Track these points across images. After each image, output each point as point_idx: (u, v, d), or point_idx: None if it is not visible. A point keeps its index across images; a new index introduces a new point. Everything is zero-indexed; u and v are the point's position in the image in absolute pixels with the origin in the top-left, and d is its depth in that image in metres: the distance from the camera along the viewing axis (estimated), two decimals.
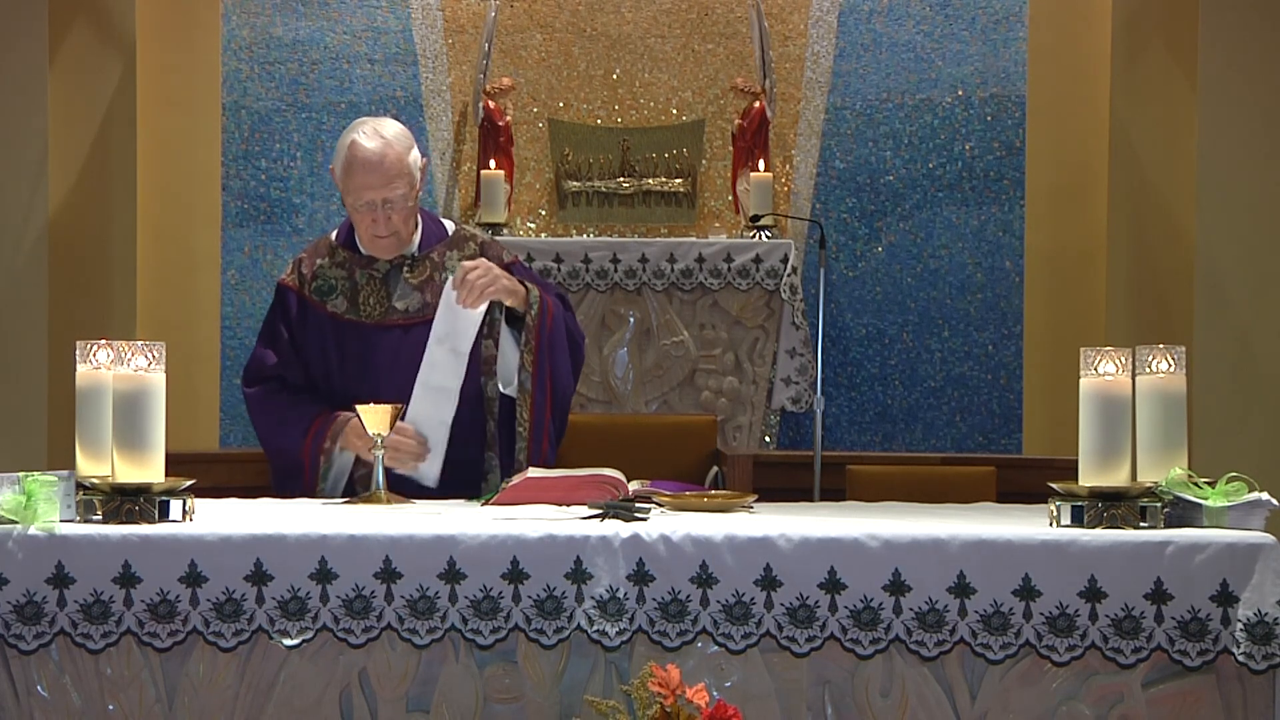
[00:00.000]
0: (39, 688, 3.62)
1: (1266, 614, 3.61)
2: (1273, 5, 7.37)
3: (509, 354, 4.65)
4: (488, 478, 4.65)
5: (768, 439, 8.29)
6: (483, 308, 4.51)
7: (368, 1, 8.44)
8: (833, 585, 3.64)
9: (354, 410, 4.39)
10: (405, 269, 4.69)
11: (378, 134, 4.58)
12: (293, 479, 4.63)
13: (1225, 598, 3.63)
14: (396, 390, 4.44)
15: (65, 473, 3.75)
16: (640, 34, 8.54)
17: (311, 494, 4.59)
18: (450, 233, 4.78)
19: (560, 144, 8.47)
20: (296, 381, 4.70)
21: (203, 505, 3.99)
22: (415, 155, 4.63)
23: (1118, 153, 8.01)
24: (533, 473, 4.32)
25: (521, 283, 4.61)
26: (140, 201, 8.02)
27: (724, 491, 4.39)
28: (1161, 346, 3.94)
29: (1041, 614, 3.63)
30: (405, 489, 4.42)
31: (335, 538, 3.64)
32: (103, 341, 3.89)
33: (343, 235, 4.77)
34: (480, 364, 4.63)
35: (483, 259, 4.59)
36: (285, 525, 3.68)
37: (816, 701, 3.66)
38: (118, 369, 3.79)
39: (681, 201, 8.48)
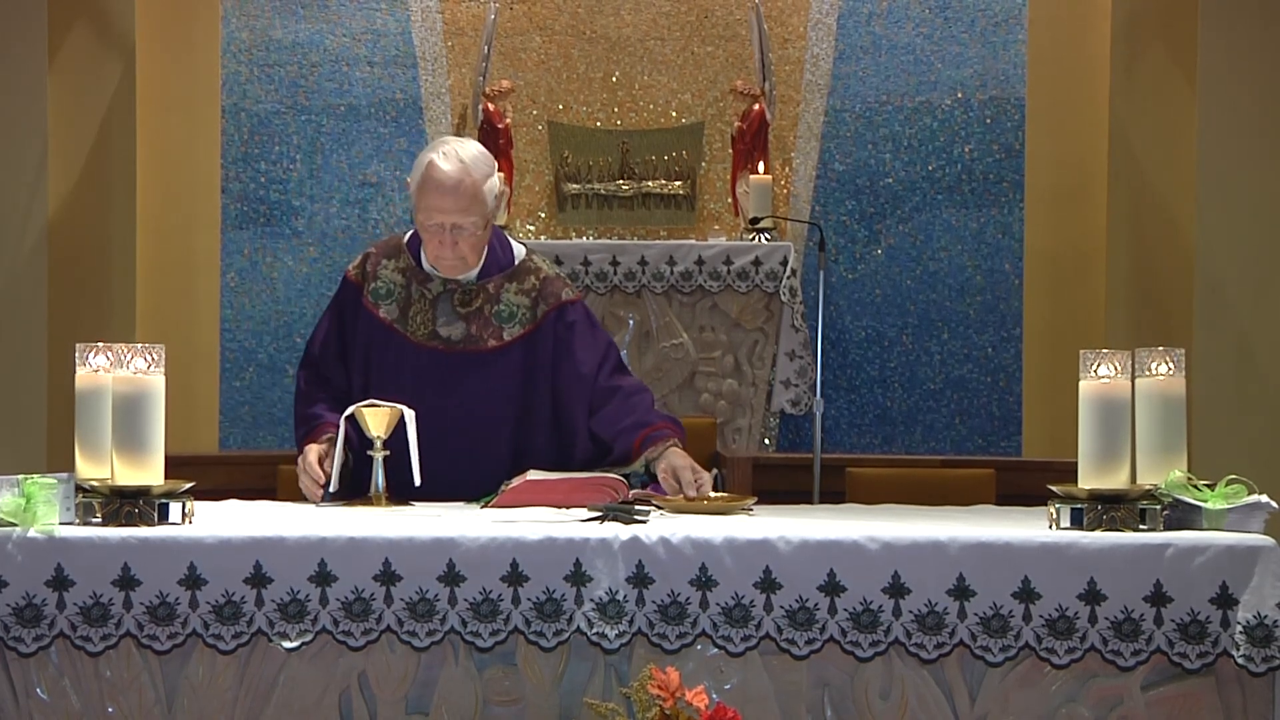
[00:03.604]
0: (38, 690, 3.62)
1: (1266, 616, 3.61)
2: (1273, 7, 7.37)
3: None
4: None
5: (767, 441, 8.30)
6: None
7: (367, 4, 8.45)
8: (832, 588, 3.64)
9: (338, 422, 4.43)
10: (456, 296, 4.60)
11: (456, 157, 4.47)
12: None
13: (1225, 600, 3.63)
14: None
15: (65, 475, 3.75)
16: (640, 36, 8.54)
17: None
18: (516, 262, 4.67)
19: (560, 146, 8.47)
20: (331, 376, 4.68)
21: (202, 508, 3.99)
22: (493, 182, 4.51)
23: (1117, 155, 8.01)
24: (533, 475, 4.32)
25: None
26: (140, 204, 8.03)
27: (722, 495, 4.38)
28: (1161, 349, 3.94)
29: (1041, 616, 3.63)
30: (404, 492, 4.42)
31: (334, 540, 3.64)
32: (102, 344, 3.88)
33: (414, 241, 4.67)
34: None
35: (702, 475, 4.43)
36: (285, 528, 3.68)
37: (816, 704, 3.66)
38: (117, 371, 3.79)
39: (681, 204, 8.49)
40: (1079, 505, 3.77)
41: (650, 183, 8.47)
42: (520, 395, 4.60)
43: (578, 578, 3.64)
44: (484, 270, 4.63)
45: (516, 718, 3.66)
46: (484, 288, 4.63)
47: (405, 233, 4.76)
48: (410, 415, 4.38)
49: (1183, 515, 3.81)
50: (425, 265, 4.63)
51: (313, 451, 4.49)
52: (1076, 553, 3.65)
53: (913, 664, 3.65)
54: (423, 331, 4.60)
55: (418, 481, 4.34)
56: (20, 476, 3.69)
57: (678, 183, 8.48)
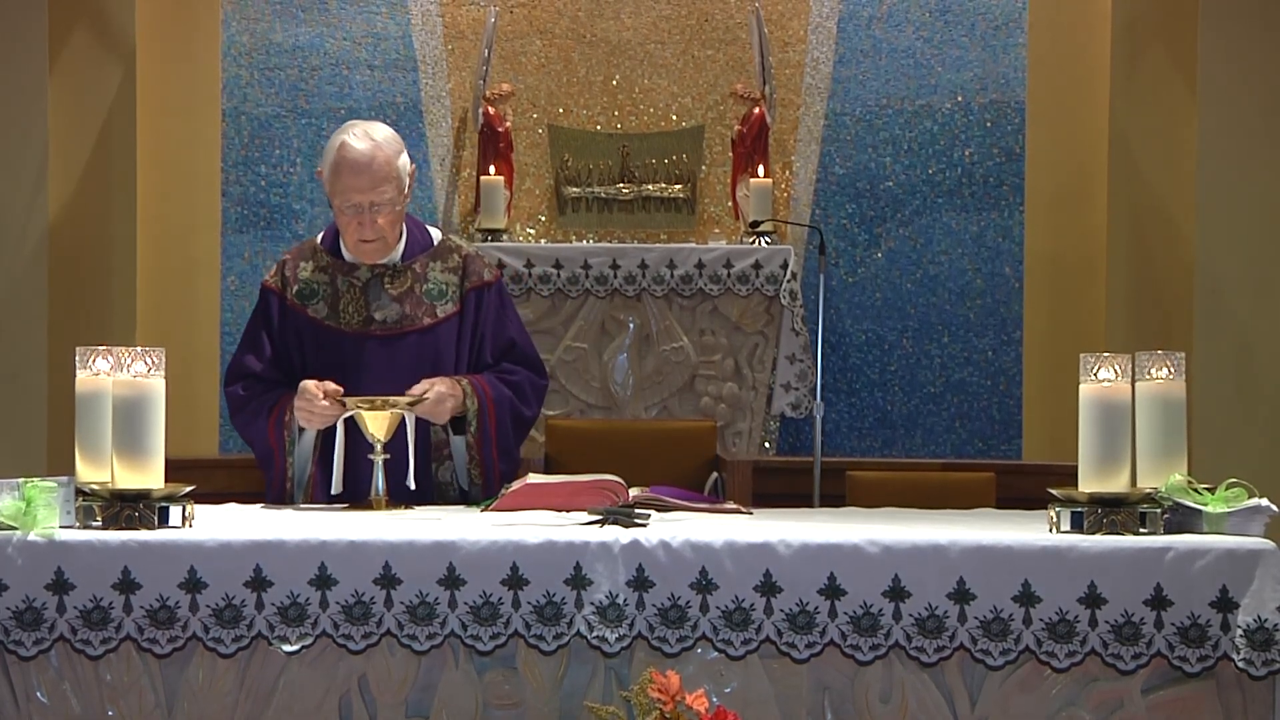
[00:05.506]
0: (39, 693, 3.62)
1: (1266, 620, 3.61)
2: (1273, 9, 7.37)
3: (459, 456, 4.66)
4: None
5: (767, 445, 8.29)
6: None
7: (367, 7, 8.45)
8: (832, 591, 3.64)
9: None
10: (385, 279, 4.68)
11: (367, 136, 4.56)
12: (268, 465, 4.63)
13: (1225, 604, 3.63)
14: None
15: (65, 478, 3.75)
16: (640, 40, 8.54)
17: (284, 475, 4.58)
18: (435, 243, 4.76)
19: (560, 150, 8.47)
20: (271, 379, 4.69)
21: (202, 511, 4.00)
22: (404, 160, 4.61)
23: (1117, 158, 8.01)
24: (533, 478, 4.32)
25: (462, 384, 4.58)
26: (140, 207, 8.03)
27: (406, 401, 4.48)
28: (1161, 352, 3.94)
29: (1041, 620, 3.63)
30: (404, 495, 4.42)
31: (335, 544, 3.64)
32: (102, 347, 3.89)
33: (328, 239, 4.75)
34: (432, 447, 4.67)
35: (436, 386, 4.52)
36: (285, 531, 3.69)
37: (816, 707, 3.66)
38: (117, 375, 3.79)
39: (681, 207, 8.48)
40: (1079, 509, 3.77)
41: (650, 186, 8.47)
42: (462, 369, 4.66)
43: (578, 581, 3.64)
44: (407, 251, 4.71)
45: None
46: (410, 268, 4.71)
47: (316, 235, 4.83)
48: (411, 419, 4.39)
49: (1183, 519, 3.81)
50: (347, 256, 4.69)
51: (310, 383, 4.48)
52: (1077, 556, 3.65)
53: (913, 667, 3.65)
54: (357, 319, 4.66)
55: (412, 485, 4.37)
56: (20, 480, 3.69)
57: (678, 186, 8.48)
